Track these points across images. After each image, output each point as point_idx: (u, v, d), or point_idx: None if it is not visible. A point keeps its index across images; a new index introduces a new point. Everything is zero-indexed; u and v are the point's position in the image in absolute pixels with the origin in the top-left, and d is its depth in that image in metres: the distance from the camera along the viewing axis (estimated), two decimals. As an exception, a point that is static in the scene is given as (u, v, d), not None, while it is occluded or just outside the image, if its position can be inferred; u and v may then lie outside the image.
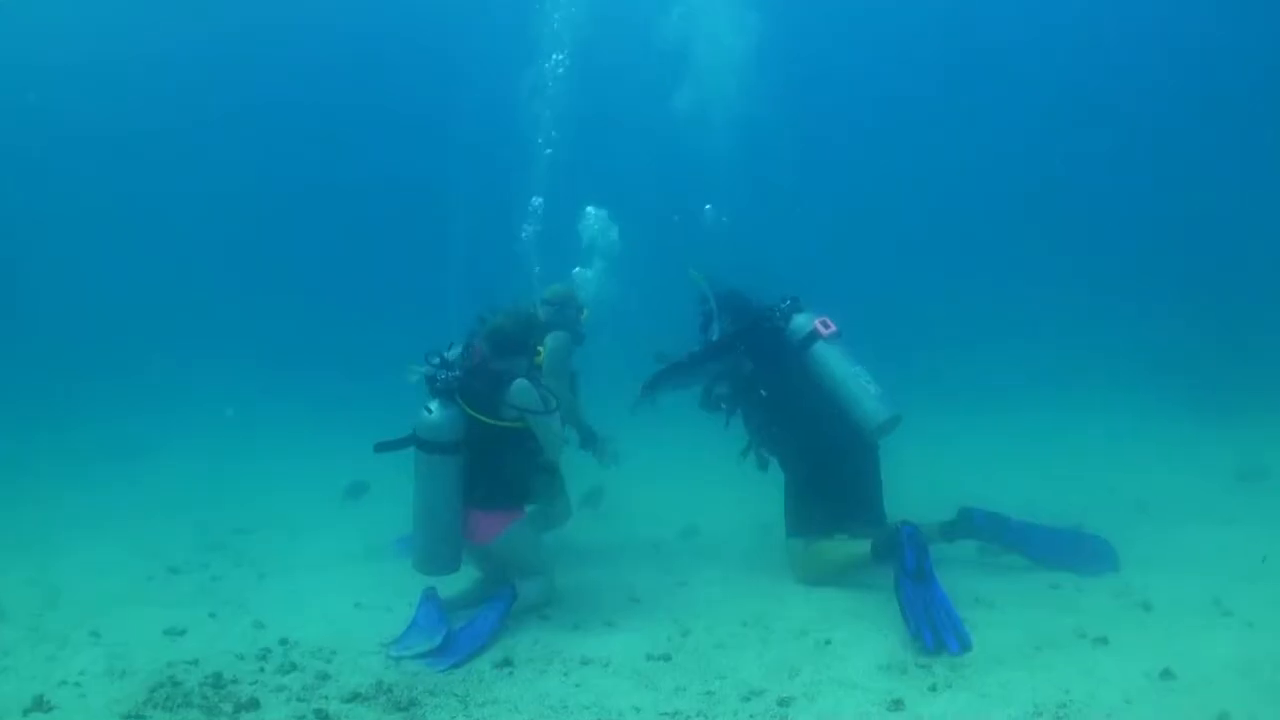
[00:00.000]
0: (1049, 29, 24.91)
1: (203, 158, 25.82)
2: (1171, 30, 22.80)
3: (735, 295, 7.15)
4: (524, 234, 8.41)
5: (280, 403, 15.85)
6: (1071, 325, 17.83)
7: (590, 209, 8.55)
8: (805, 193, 24.02)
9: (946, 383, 14.90)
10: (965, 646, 4.82)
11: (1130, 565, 6.17)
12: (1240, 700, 4.06)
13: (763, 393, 6.71)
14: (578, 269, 8.17)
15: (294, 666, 5.03)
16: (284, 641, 5.40)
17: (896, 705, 4.24)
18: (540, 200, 8.76)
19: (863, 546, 5.86)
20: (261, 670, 5.00)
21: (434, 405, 5.72)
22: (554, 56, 10.63)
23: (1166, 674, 4.36)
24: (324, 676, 4.90)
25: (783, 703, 4.37)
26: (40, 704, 4.52)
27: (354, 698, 4.61)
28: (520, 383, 5.74)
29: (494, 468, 5.79)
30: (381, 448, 5.84)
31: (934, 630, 4.92)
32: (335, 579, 6.90)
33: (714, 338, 7.05)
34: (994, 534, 6.30)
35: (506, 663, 5.02)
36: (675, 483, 10.14)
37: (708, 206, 8.67)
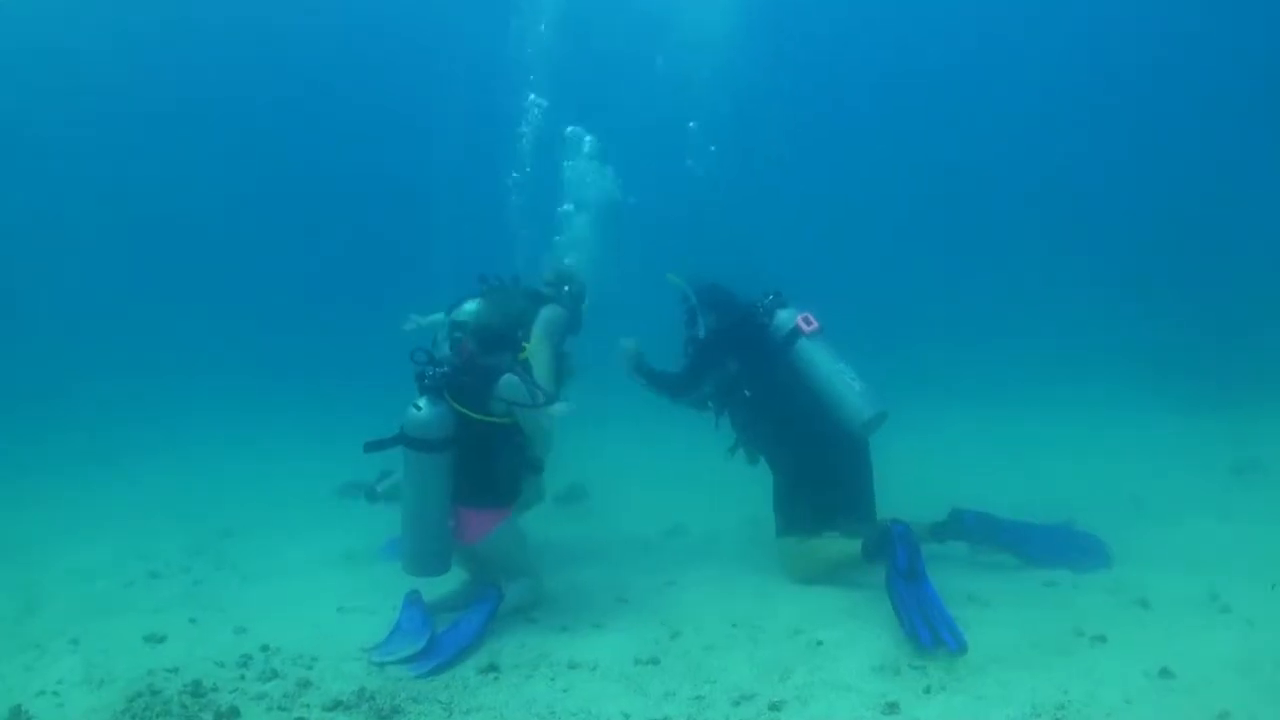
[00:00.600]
0: (1047, 20, 24.88)
1: (192, 157, 25.66)
2: (1168, 22, 22.78)
3: (716, 289, 7.09)
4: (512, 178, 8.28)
5: (268, 403, 15.73)
6: (1063, 320, 17.81)
7: (571, 129, 8.44)
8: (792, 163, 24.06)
9: (938, 377, 14.84)
10: (961, 646, 4.72)
11: (1126, 561, 6.10)
12: (1241, 700, 3.99)
13: (747, 393, 6.65)
14: (566, 206, 8.04)
15: (275, 674, 4.92)
16: (265, 648, 5.28)
17: (891, 709, 4.15)
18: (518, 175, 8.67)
19: (854, 545, 5.78)
20: (242, 678, 4.90)
21: (422, 402, 5.62)
22: (540, 27, 10.51)
23: (1166, 673, 4.29)
24: (305, 684, 4.79)
25: (774, 707, 4.28)
26: (18, 715, 4.43)
27: (335, 706, 4.51)
28: (509, 377, 5.67)
29: (483, 465, 5.70)
30: (370, 447, 5.72)
31: (930, 628, 4.83)
32: (319, 582, 6.80)
33: (701, 334, 6.97)
34: (985, 535, 6.24)
35: (492, 668, 4.92)
36: (661, 480, 10.02)
37: (689, 161, 8.62)
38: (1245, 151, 20.90)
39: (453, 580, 5.97)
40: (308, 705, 4.54)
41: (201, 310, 22.68)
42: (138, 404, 15.69)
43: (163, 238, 25.14)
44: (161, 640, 5.49)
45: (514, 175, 8.97)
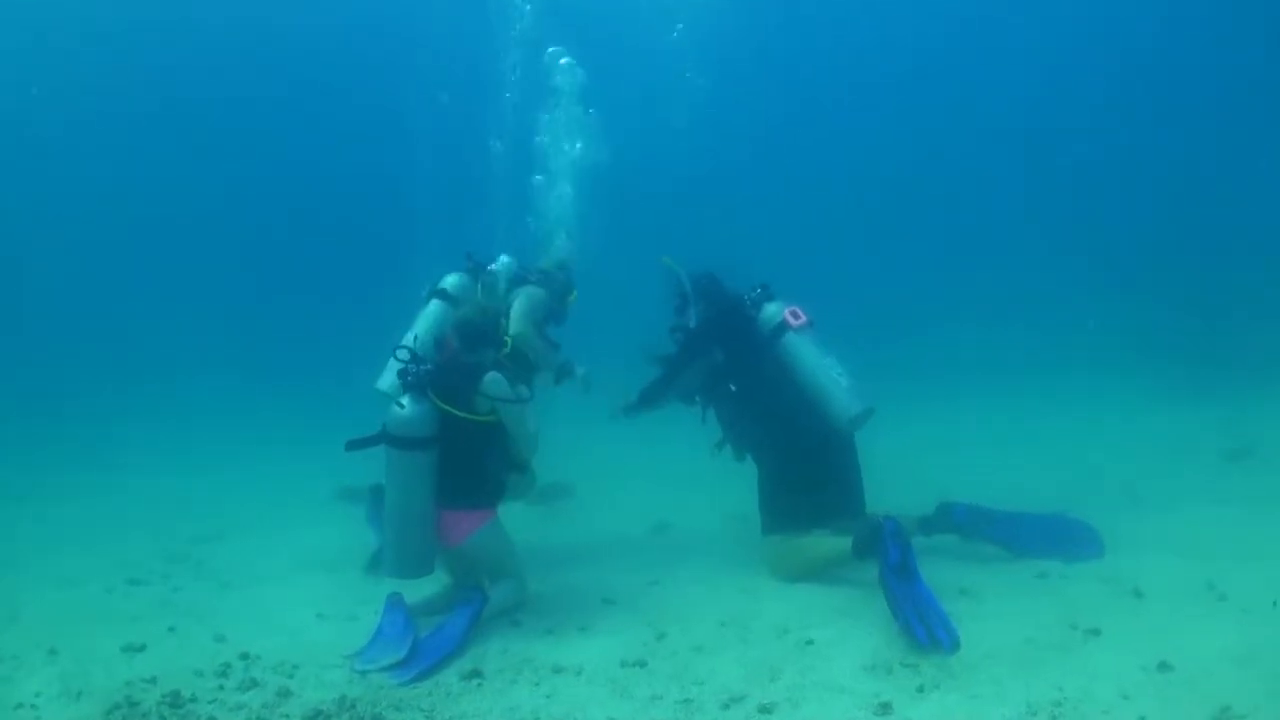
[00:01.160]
0: (1035, 4, 24.80)
1: (175, 158, 25.47)
2: (1152, 5, 22.71)
3: (710, 279, 6.99)
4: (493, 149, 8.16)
5: (253, 404, 15.61)
6: (1050, 307, 17.73)
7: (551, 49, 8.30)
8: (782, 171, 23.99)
9: (926, 366, 14.81)
10: (954, 644, 4.66)
11: (1119, 550, 6.03)
12: (1242, 692, 3.91)
13: (732, 388, 6.55)
14: (538, 177, 7.91)
15: (254, 683, 4.83)
16: (245, 656, 5.18)
17: (884, 709, 4.07)
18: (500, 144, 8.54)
19: (843, 543, 5.70)
20: (221, 688, 4.80)
21: (405, 400, 5.54)
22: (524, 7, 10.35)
23: (1164, 666, 4.21)
24: (285, 693, 4.70)
25: (764, 709, 4.19)
26: (-6, 729, 4.34)
27: (315, 715, 4.42)
28: (493, 374, 5.60)
29: (467, 465, 5.62)
30: (352, 446, 5.64)
31: (924, 625, 4.76)
32: (300, 587, 6.71)
33: (691, 324, 6.86)
34: (974, 528, 6.16)
35: (475, 673, 4.82)
36: (647, 477, 9.96)
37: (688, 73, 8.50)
38: (1234, 137, 20.85)
39: (436, 583, 5.88)
40: (287, 715, 4.45)
41: (186, 311, 22.50)
42: (122, 407, 15.56)
43: (145, 238, 24.91)
44: (140, 650, 5.39)
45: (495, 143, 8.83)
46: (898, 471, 6.91)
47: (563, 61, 8.96)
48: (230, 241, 25.48)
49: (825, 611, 5.38)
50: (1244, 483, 7.78)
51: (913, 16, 25.46)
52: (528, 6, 9.83)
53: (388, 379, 6.36)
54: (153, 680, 4.87)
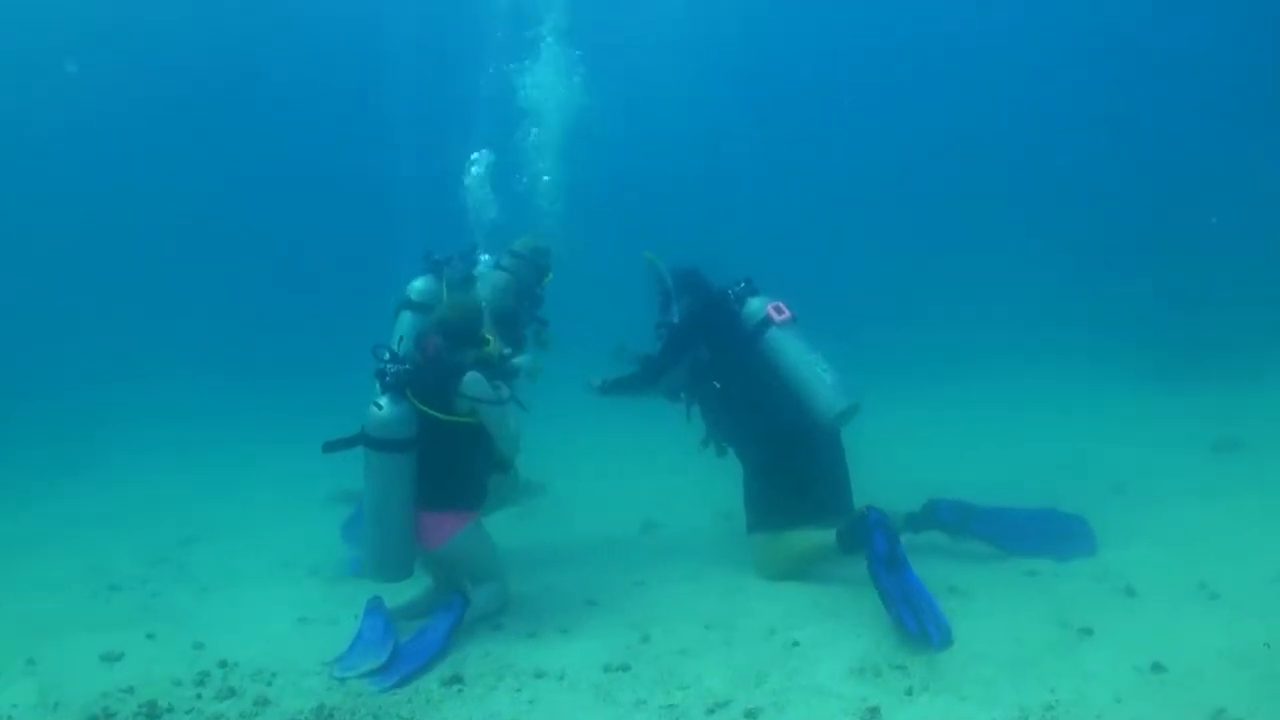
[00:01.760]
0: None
1: (155, 158, 25.33)
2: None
3: (692, 274, 6.89)
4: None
5: (237, 404, 15.50)
6: (1034, 296, 17.65)
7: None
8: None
9: (907, 355, 14.77)
10: (946, 637, 4.61)
11: (1109, 546, 5.98)
12: (1236, 694, 3.86)
13: (716, 384, 6.46)
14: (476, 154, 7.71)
15: (232, 692, 4.75)
16: (223, 664, 5.11)
17: (872, 714, 4.00)
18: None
19: (828, 536, 5.62)
20: (199, 696, 4.73)
21: (383, 401, 5.43)
22: None
23: (1157, 667, 4.15)
24: (263, 702, 4.62)
25: (750, 715, 4.13)
26: (-30, 744, 4.28)
27: (293, 724, 4.33)
28: (472, 374, 5.49)
29: (446, 466, 5.52)
30: (330, 447, 5.53)
31: (916, 616, 4.70)
32: (281, 591, 6.64)
33: (675, 319, 6.76)
34: (961, 525, 6.10)
35: (456, 679, 4.74)
36: (630, 474, 9.87)
37: None
38: (1221, 127, 20.80)
39: (416, 586, 5.80)
40: (264, 725, 4.38)
41: (169, 309, 22.40)
42: (103, 406, 15.40)
43: (129, 237, 24.77)
44: (118, 658, 5.32)
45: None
46: (880, 463, 6.77)
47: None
48: (221, 237, 25.35)
49: (813, 611, 5.31)
50: (1233, 476, 7.69)
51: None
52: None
53: None
54: (130, 690, 4.81)
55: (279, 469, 10.91)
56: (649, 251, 6.96)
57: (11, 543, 8.45)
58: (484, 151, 7.53)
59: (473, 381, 5.46)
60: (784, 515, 6.02)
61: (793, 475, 6.09)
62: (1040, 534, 6.04)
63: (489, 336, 5.88)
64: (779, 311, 6.36)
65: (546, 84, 8.57)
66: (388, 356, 5.61)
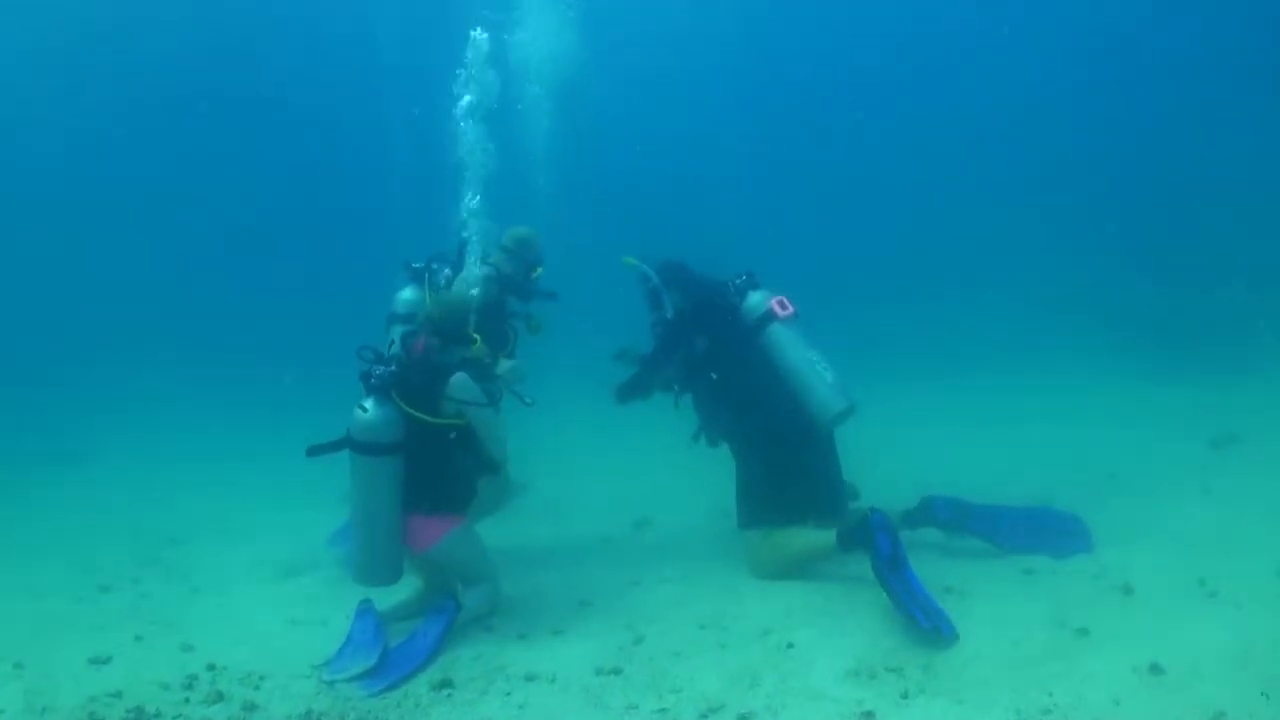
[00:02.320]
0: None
1: (141, 149, 25.20)
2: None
3: (677, 266, 6.79)
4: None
5: (233, 399, 15.40)
6: (1030, 287, 17.56)
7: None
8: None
9: (902, 344, 14.73)
10: (953, 632, 4.59)
11: (1106, 543, 5.91)
12: (1236, 695, 3.81)
13: (713, 376, 6.36)
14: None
15: (220, 696, 4.71)
16: (211, 667, 5.06)
17: (867, 717, 3.96)
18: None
19: (826, 536, 5.58)
20: (186, 701, 4.69)
21: (369, 403, 5.35)
22: None
23: (1155, 668, 4.10)
24: (251, 706, 4.58)
25: (743, 719, 4.06)
26: (-45, 750, 4.24)
27: (281, 730, 4.28)
28: (460, 376, 5.44)
29: (434, 469, 5.46)
30: (314, 451, 5.46)
31: (925, 612, 4.69)
32: (271, 592, 6.62)
33: (669, 314, 6.66)
34: (958, 523, 6.06)
35: (446, 683, 4.70)
36: (625, 470, 9.76)
37: None
38: (1214, 109, 20.71)
39: (407, 586, 5.74)
40: (252, 730, 4.33)
41: (162, 303, 22.29)
42: (98, 401, 15.34)
43: (124, 229, 24.65)
44: (106, 662, 5.28)
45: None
46: (875, 456, 6.74)
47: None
48: (218, 235, 25.25)
49: (807, 611, 5.27)
50: (1231, 471, 7.59)
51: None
52: None
53: None
54: (118, 694, 4.78)
55: (277, 464, 10.81)
56: (627, 256, 6.85)
57: (5, 544, 8.36)
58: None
59: (459, 383, 5.40)
60: (777, 512, 5.97)
61: (786, 472, 6.03)
62: (1036, 531, 5.99)
63: (476, 336, 5.82)
64: (783, 306, 6.28)
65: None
66: (372, 358, 5.53)
